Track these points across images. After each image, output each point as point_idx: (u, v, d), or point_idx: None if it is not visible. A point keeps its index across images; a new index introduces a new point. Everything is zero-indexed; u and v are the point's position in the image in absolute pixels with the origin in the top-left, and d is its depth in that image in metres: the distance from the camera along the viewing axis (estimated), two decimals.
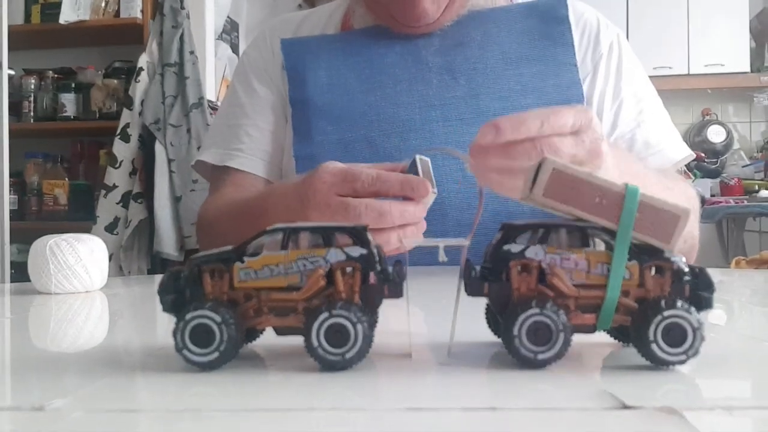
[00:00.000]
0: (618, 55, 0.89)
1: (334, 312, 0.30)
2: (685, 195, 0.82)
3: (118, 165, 2.21)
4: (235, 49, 2.99)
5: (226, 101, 1.01)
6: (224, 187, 0.90)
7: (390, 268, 0.33)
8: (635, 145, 0.86)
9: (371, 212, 0.59)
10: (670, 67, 3.87)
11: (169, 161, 2.16)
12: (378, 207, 0.59)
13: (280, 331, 0.33)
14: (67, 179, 2.60)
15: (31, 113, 2.60)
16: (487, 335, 0.35)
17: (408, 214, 0.60)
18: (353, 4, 0.94)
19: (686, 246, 0.82)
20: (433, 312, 0.49)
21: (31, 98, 2.60)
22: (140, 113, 2.21)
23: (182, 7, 2.28)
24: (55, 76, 2.62)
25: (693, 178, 3.46)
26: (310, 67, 0.89)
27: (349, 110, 0.85)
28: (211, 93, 2.53)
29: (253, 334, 0.35)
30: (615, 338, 0.35)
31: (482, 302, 0.35)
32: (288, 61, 0.91)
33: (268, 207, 0.72)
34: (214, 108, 2.34)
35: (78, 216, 2.47)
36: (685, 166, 0.98)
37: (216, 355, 0.30)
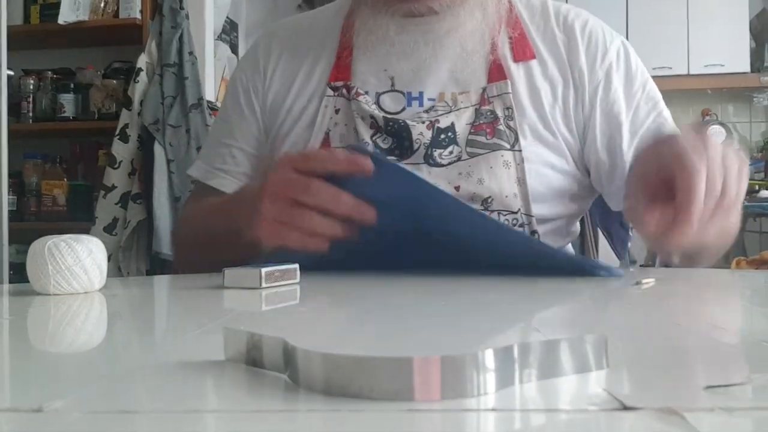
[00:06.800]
0: (625, 61, 0.89)
1: None
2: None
3: (117, 165, 2.21)
4: (234, 49, 2.99)
5: (220, 112, 1.02)
6: (202, 202, 0.96)
7: None
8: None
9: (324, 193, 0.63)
10: (669, 68, 3.87)
11: (168, 162, 2.16)
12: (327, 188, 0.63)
13: None
14: (65, 180, 2.60)
15: (30, 114, 2.59)
16: (486, 334, 0.35)
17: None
18: (356, 2, 0.91)
19: (721, 242, 0.70)
20: (430, 311, 0.49)
21: (30, 99, 2.59)
22: (139, 114, 2.21)
23: (181, 8, 2.28)
24: (54, 76, 2.62)
25: None
26: None
27: None
28: (210, 94, 2.52)
29: None
30: None
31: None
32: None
33: (230, 208, 0.79)
34: (213, 108, 2.34)
35: (77, 217, 2.47)
36: None
37: None
